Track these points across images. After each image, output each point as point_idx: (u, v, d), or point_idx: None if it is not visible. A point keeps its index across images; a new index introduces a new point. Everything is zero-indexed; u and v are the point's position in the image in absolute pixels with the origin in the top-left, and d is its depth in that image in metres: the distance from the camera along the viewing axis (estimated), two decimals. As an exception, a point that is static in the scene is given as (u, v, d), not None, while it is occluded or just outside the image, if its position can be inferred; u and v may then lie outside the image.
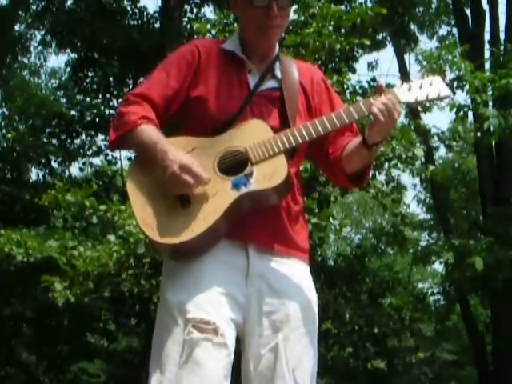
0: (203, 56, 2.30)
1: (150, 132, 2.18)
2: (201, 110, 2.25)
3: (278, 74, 2.34)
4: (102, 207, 7.12)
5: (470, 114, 8.10)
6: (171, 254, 2.16)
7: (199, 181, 2.09)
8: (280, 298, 2.19)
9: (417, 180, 8.29)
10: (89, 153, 11.92)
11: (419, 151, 6.86)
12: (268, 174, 2.13)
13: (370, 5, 11.28)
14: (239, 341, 2.17)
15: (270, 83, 2.32)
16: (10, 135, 10.43)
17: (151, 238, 2.11)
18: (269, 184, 2.12)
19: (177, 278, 2.15)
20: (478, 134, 7.71)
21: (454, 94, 7.40)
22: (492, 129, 7.27)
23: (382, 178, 7.45)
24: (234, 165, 2.16)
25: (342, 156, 2.31)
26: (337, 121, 2.21)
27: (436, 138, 11.05)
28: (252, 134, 2.18)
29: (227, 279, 2.14)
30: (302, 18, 6.78)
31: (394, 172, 7.37)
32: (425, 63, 8.44)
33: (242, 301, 2.14)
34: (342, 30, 6.86)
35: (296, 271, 2.26)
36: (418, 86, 2.25)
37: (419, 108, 10.33)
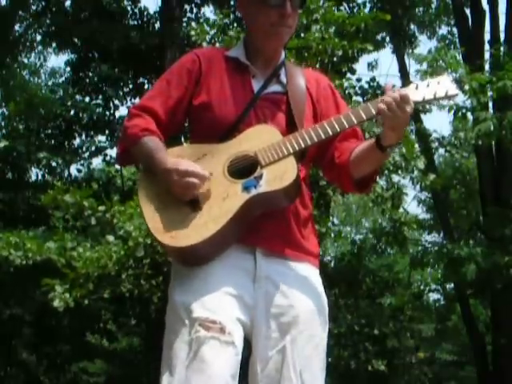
0: (204, 64, 2.31)
1: (150, 144, 2.21)
2: (205, 116, 2.26)
3: (284, 79, 2.33)
4: (101, 208, 7.10)
5: (470, 114, 8.10)
6: (181, 257, 2.16)
7: (202, 178, 2.10)
8: (288, 300, 2.18)
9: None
10: (86, 154, 11.90)
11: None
12: (278, 176, 2.12)
13: (369, 5, 11.31)
14: (247, 343, 2.16)
15: (275, 87, 2.32)
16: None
17: (162, 241, 2.11)
18: (279, 185, 2.12)
19: (184, 280, 2.16)
20: (477, 134, 7.71)
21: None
22: (491, 129, 7.27)
23: (382, 182, 7.41)
24: (244, 168, 2.16)
25: (351, 160, 2.28)
26: (345, 121, 2.19)
27: (437, 143, 11.07)
28: (261, 138, 2.18)
29: (234, 281, 2.13)
30: (305, 22, 6.75)
31: (395, 178, 7.33)
32: (424, 65, 8.44)
33: (250, 302, 2.14)
34: (344, 32, 6.83)
35: (305, 274, 2.25)
36: (425, 86, 2.23)
37: (420, 107, 10.33)
